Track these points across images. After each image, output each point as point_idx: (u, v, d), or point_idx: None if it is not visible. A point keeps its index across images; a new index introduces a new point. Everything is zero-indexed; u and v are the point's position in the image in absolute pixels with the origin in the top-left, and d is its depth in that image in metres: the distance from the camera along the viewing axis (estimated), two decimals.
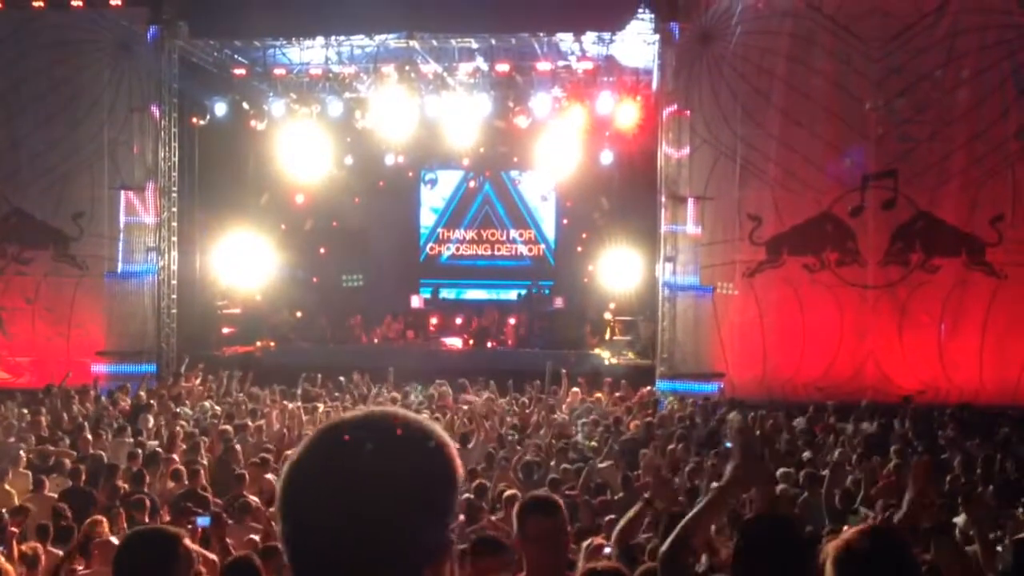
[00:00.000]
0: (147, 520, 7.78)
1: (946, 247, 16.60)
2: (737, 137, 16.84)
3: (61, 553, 7.05)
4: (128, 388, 15.87)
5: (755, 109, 16.81)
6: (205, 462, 10.65)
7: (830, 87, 16.62)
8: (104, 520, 7.27)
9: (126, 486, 9.19)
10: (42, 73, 18.01)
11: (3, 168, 18.25)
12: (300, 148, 20.66)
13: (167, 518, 7.65)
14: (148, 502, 8.24)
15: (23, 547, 6.40)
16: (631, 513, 5.24)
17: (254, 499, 8.74)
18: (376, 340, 21.15)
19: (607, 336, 20.37)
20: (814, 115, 16.64)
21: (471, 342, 20.69)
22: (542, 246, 26.76)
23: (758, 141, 16.81)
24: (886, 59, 16.41)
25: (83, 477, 9.66)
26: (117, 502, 8.36)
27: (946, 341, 16.56)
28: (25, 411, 13.46)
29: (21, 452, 10.41)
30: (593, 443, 12.18)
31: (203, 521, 7.10)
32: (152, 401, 14.57)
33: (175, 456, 10.70)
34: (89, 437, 11.60)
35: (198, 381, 16.88)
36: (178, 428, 12.41)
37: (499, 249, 26.91)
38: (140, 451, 10.65)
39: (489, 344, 20.64)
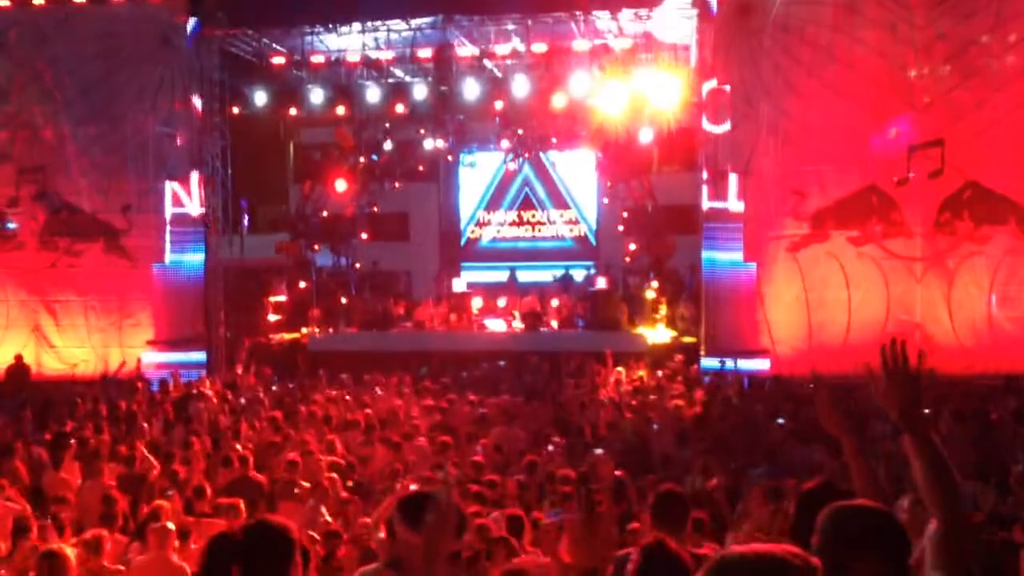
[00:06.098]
0: (208, 510, 7.93)
1: (995, 216, 16.31)
2: (779, 110, 16.62)
3: (125, 540, 7.23)
4: (179, 376, 16.15)
5: (797, 81, 16.57)
6: (251, 446, 10.82)
7: (874, 56, 16.33)
8: (168, 505, 7.43)
9: (183, 470, 9.37)
10: (86, 68, 18.30)
11: (52, 164, 18.59)
12: (340, 135, 20.79)
13: (223, 502, 7.79)
14: (208, 490, 8.39)
15: (86, 535, 6.54)
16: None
17: (305, 483, 8.91)
18: (420, 325, 21.20)
19: (659, 315, 20.23)
20: (858, 85, 16.35)
21: (520, 324, 20.64)
22: (583, 226, 26.68)
23: (800, 114, 16.57)
24: (931, 25, 16.09)
25: (137, 464, 9.85)
26: (174, 488, 8.51)
27: (997, 311, 16.30)
28: (80, 400, 13.74)
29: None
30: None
31: None
32: (204, 390, 14.80)
33: (231, 443, 10.86)
34: (145, 425, 11.85)
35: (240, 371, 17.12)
36: (230, 416, 12.65)
37: (540, 230, 26.91)
38: (194, 438, 10.82)
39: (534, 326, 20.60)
